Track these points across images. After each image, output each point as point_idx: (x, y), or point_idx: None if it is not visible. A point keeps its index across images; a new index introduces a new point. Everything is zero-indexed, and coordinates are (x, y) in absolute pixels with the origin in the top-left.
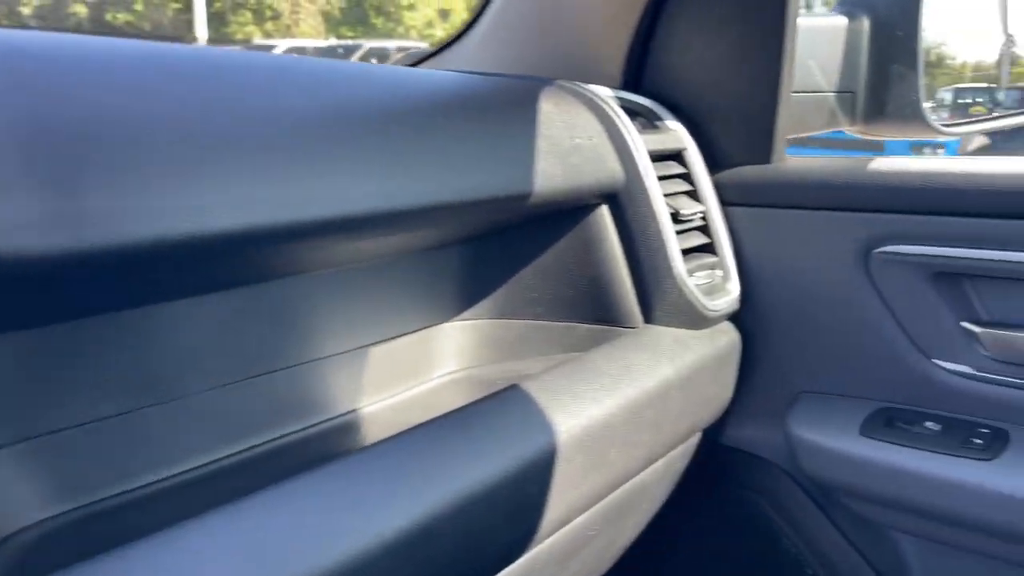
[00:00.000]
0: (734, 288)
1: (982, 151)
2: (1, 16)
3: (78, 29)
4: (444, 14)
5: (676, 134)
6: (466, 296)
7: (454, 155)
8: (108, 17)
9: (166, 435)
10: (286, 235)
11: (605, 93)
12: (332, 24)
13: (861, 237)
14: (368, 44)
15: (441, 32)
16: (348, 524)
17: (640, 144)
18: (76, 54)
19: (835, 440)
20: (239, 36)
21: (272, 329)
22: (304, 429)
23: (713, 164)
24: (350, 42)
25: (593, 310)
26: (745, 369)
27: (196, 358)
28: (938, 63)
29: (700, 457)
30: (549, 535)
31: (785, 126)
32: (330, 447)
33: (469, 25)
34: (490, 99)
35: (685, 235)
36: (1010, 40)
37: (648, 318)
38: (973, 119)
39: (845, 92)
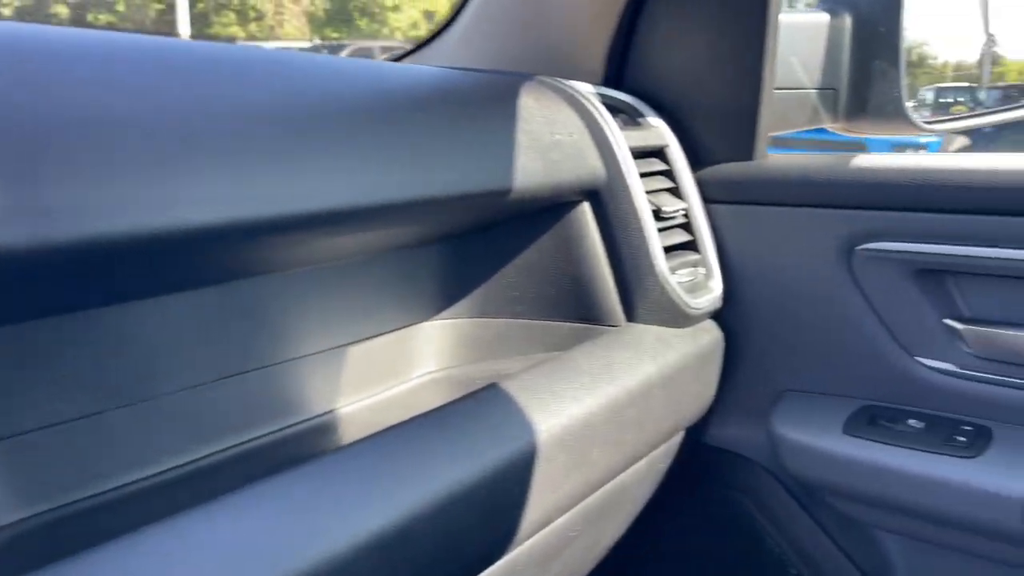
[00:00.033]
0: (717, 286)
1: (963, 152)
2: None
3: None
4: (429, 15)
5: (658, 131)
6: (446, 295)
7: (432, 150)
8: (90, 18)
9: (137, 437)
10: (259, 230)
11: (586, 89)
12: (316, 25)
13: (844, 234)
14: (353, 45)
15: (426, 34)
16: (322, 526)
17: (622, 141)
18: (41, 45)
19: (818, 439)
20: (222, 37)
21: (247, 328)
22: (279, 431)
23: (695, 161)
24: (335, 43)
25: (574, 308)
26: (728, 367)
27: (168, 358)
28: (920, 63)
29: (683, 457)
30: (530, 536)
31: (767, 123)
32: (306, 449)
33: (450, 21)
34: (469, 94)
35: (667, 232)
36: (991, 39)
37: (630, 316)
38: (954, 117)
39: (827, 89)
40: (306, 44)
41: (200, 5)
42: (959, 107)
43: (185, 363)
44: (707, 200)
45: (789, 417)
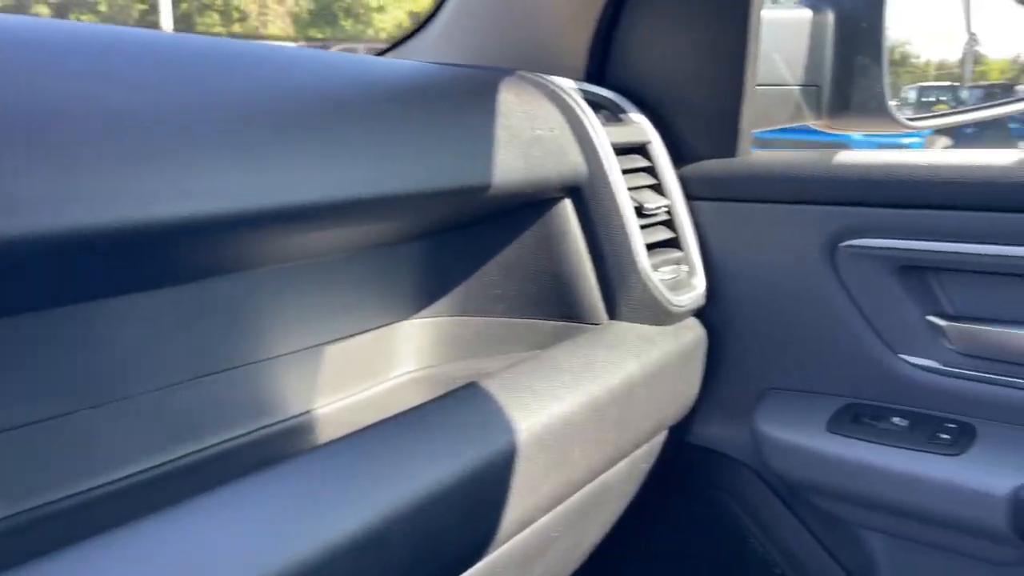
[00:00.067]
0: (699, 283)
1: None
2: None
3: None
4: (414, 16)
5: (640, 127)
6: (426, 293)
7: (409, 145)
8: (72, 18)
9: (110, 437)
10: (231, 225)
11: (568, 85)
12: (301, 26)
13: (827, 231)
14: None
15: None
16: (295, 528)
17: (603, 137)
18: (7, 35)
19: (802, 437)
20: None
21: (222, 327)
22: (255, 431)
23: (678, 158)
24: (319, 44)
25: (556, 306)
26: (711, 366)
27: (141, 357)
28: (902, 61)
29: (666, 456)
30: (510, 537)
31: (750, 119)
32: (282, 450)
33: (431, 15)
34: (448, 89)
35: (650, 229)
36: (973, 39)
37: (612, 314)
38: (937, 114)
39: (810, 86)
40: (291, 45)
41: (184, 6)
42: (941, 106)
43: (159, 362)
44: (690, 197)
45: (772, 415)
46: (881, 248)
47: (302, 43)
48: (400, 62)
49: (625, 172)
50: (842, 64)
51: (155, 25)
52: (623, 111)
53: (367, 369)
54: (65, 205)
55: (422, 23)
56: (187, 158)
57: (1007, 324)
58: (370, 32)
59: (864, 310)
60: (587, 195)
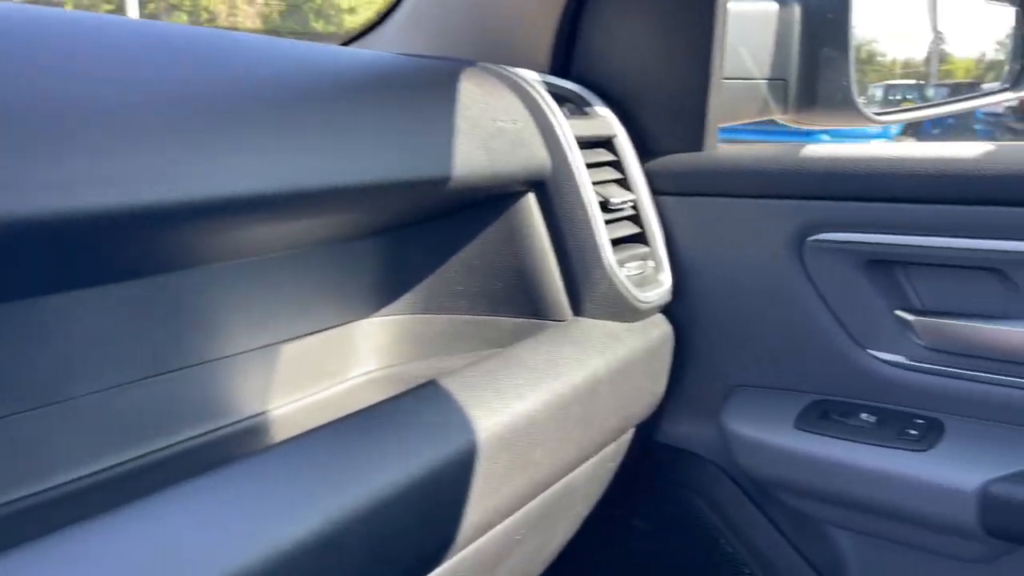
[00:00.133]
0: (666, 279)
1: None
2: None
3: None
4: None
5: (605, 121)
6: (386, 290)
7: (366, 134)
8: None
9: (50, 441)
10: (172, 215)
11: (531, 77)
12: (271, 27)
13: (794, 225)
14: None
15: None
16: (238, 534)
17: (567, 130)
18: None
19: (770, 434)
20: None
21: (172, 325)
22: (205, 434)
23: (644, 152)
24: None
25: (520, 303)
26: (678, 363)
27: (84, 357)
28: (869, 60)
29: (633, 455)
30: (471, 541)
31: (717, 113)
32: (233, 453)
33: (395, 5)
34: (407, 78)
35: (615, 225)
36: (939, 37)
37: (577, 311)
38: (904, 108)
39: (777, 80)
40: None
41: (151, 6)
42: (908, 104)
43: (103, 362)
44: (656, 192)
45: (740, 413)
46: (848, 242)
47: None
48: (359, 51)
49: (590, 166)
50: (809, 58)
51: None
52: (588, 104)
53: (325, 369)
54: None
55: (385, 13)
56: (121, 144)
57: (974, 318)
58: (341, 34)
59: (832, 305)
60: (551, 189)
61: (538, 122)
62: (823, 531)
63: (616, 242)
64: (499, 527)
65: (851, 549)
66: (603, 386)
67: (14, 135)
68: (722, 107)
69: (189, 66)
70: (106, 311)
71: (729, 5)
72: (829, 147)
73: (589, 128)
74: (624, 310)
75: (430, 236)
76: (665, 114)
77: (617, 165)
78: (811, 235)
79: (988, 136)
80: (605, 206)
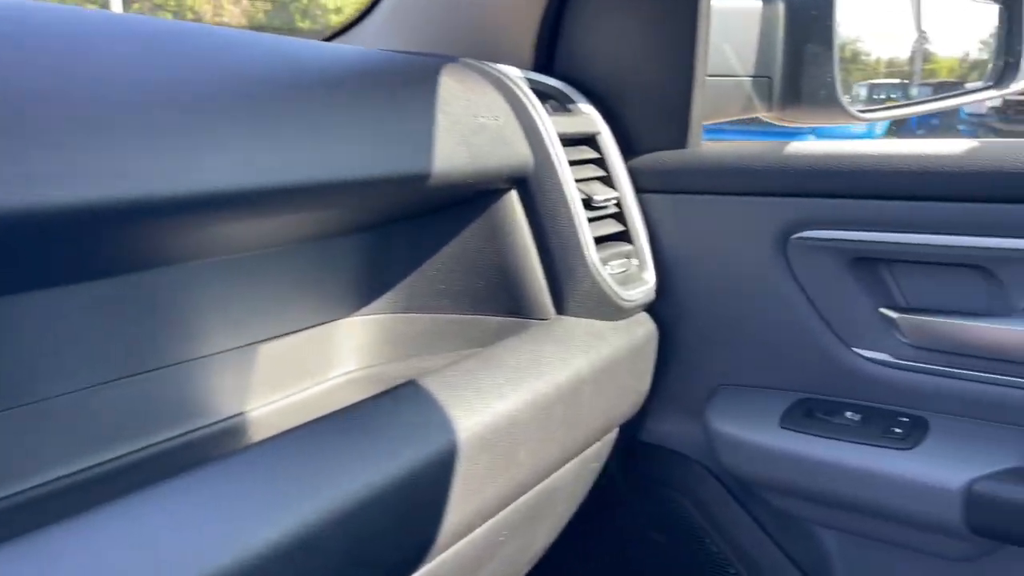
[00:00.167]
0: (650, 277)
1: None
2: None
3: None
4: None
5: (589, 118)
6: (367, 289)
7: (344, 130)
8: None
9: (21, 444)
10: (146, 212)
11: (513, 73)
12: (256, 27)
13: (779, 223)
14: None
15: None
16: (213, 536)
17: (550, 127)
18: None
19: (755, 433)
20: None
21: (147, 324)
22: (181, 436)
23: (627, 149)
24: None
25: (503, 302)
26: (662, 361)
27: (58, 357)
28: (853, 59)
29: (617, 455)
30: (452, 543)
31: (701, 111)
32: (209, 456)
33: (376, 1)
34: (386, 74)
35: (598, 222)
36: (923, 37)
37: (560, 309)
38: (888, 105)
39: (761, 77)
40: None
41: (135, 6)
42: (892, 103)
43: (76, 363)
44: (640, 189)
45: (725, 412)
46: (833, 240)
47: None
48: (339, 46)
49: (573, 163)
50: (793, 55)
51: None
52: (571, 101)
53: (304, 369)
54: None
55: (368, 9)
56: (83, 138)
57: (958, 315)
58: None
59: (816, 303)
60: (534, 187)
61: (520, 119)
62: (808, 530)
63: (600, 240)
64: (481, 529)
65: (836, 548)
66: (586, 385)
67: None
68: (706, 104)
69: (160, 59)
70: (79, 310)
71: (713, 2)
72: (813, 144)
73: (572, 125)
74: (608, 309)
75: (412, 234)
76: (649, 111)
77: (601, 162)
78: (795, 233)
79: (971, 136)
80: (588, 204)
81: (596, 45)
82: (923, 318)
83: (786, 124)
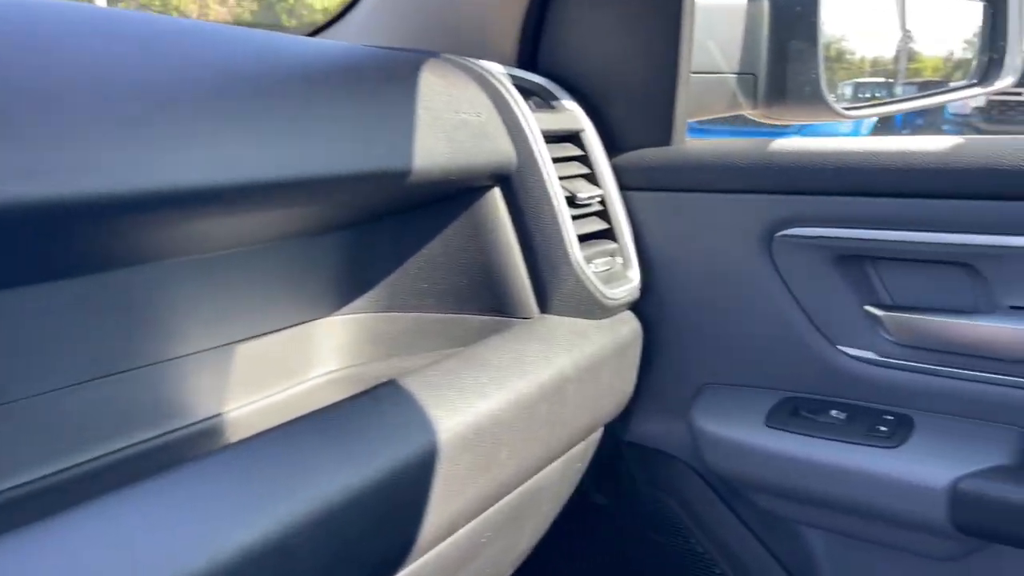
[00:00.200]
0: (634, 276)
1: None
2: None
3: None
4: None
5: (573, 115)
6: (348, 288)
7: (323, 125)
8: None
9: None
10: (119, 207)
11: (496, 69)
12: (242, 25)
13: (763, 220)
14: None
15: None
16: (188, 537)
17: (533, 123)
18: None
19: (740, 432)
20: None
21: (122, 324)
22: (158, 437)
23: (611, 147)
24: None
25: (486, 300)
26: (647, 360)
27: (32, 357)
28: (838, 58)
29: (602, 455)
30: (434, 544)
31: (685, 108)
32: (186, 457)
33: None
34: (367, 69)
35: (582, 220)
36: (907, 36)
37: (544, 308)
38: (874, 103)
39: (746, 74)
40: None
41: (121, 6)
42: (877, 100)
43: (51, 363)
44: (624, 187)
45: (710, 411)
46: (818, 237)
47: None
48: (320, 41)
49: (557, 161)
50: (778, 52)
51: None
52: (555, 98)
53: (284, 369)
54: None
55: (351, 3)
56: (48, 131)
57: (944, 313)
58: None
59: (802, 301)
60: (516, 184)
61: (503, 115)
62: (794, 529)
63: (583, 238)
64: (464, 530)
65: (821, 547)
66: (570, 384)
67: None
68: (691, 101)
69: (133, 52)
70: (53, 309)
71: None
72: (798, 141)
73: (556, 122)
74: (592, 307)
75: (393, 232)
76: (633, 108)
77: (584, 160)
78: (780, 230)
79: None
80: (572, 201)
81: (580, 41)
82: (908, 316)
83: (771, 122)
